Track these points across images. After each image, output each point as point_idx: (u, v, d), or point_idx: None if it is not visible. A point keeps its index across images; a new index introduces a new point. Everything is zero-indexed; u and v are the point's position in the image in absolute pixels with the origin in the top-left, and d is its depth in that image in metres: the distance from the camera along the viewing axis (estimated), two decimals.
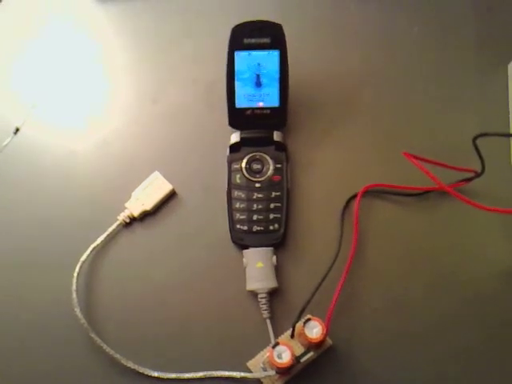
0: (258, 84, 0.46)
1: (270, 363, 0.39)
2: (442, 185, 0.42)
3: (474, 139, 0.38)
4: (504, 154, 0.48)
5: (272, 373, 0.39)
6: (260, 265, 0.43)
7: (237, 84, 0.46)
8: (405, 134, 0.50)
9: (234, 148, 0.48)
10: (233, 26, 0.45)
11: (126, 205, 0.46)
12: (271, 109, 0.47)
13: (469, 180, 0.45)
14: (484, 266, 0.45)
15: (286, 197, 0.46)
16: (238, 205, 0.46)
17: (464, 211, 0.45)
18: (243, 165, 0.47)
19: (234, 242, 0.45)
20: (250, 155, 0.47)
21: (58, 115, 0.52)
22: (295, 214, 0.47)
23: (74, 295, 0.42)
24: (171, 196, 0.48)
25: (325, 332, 0.39)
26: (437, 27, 0.54)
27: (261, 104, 0.47)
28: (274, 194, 0.46)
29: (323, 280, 0.42)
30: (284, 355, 0.38)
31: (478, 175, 0.44)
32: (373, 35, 0.54)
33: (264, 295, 0.43)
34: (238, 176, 0.47)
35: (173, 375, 0.41)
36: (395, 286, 0.44)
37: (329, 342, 0.41)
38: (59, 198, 0.48)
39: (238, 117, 0.47)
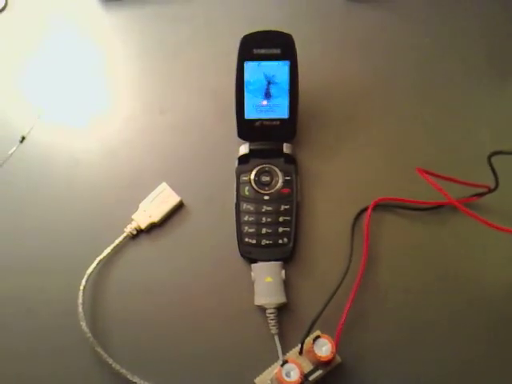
0: (268, 95, 0.46)
1: (279, 381, 0.38)
2: (452, 199, 0.41)
3: (489, 157, 0.38)
4: None
5: None
6: (269, 279, 0.43)
7: (246, 95, 0.46)
8: (416, 147, 0.49)
9: (243, 160, 0.47)
10: (241, 34, 0.44)
11: (133, 216, 0.46)
12: (281, 120, 0.46)
13: (480, 195, 0.44)
14: (496, 282, 0.44)
15: (295, 210, 0.45)
16: (246, 218, 0.45)
17: (476, 226, 0.44)
18: (252, 177, 0.46)
19: (242, 255, 0.45)
20: (259, 167, 0.47)
21: (66, 124, 0.51)
22: (304, 228, 0.46)
23: (80, 309, 0.42)
24: (179, 208, 0.47)
25: (334, 350, 0.39)
26: (448, 38, 0.54)
27: (270, 115, 0.46)
28: (283, 207, 0.45)
29: (333, 295, 0.41)
30: (293, 373, 0.38)
31: (490, 191, 0.43)
32: (385, 47, 0.53)
33: (272, 310, 0.42)
34: (246, 188, 0.46)
35: None
36: (406, 302, 0.44)
37: (338, 359, 0.41)
38: (65, 209, 0.47)
39: (246, 128, 0.47)
